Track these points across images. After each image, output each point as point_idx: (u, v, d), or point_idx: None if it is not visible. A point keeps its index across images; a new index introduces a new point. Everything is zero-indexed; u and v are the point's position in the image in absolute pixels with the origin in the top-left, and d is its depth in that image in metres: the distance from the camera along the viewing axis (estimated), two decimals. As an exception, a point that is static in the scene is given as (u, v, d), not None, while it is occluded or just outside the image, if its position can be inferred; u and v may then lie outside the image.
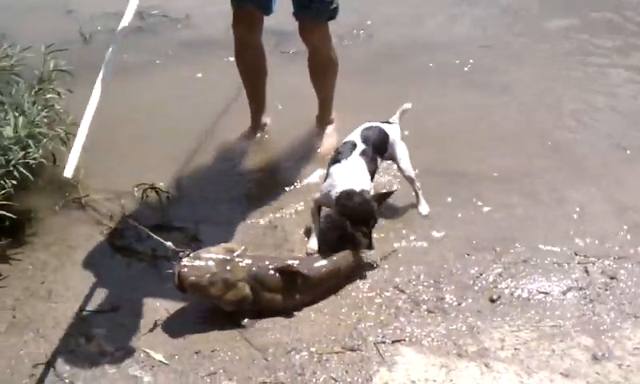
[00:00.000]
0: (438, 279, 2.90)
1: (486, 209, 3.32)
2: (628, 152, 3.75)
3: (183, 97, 4.23)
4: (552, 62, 4.76)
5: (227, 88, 4.10)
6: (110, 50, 2.68)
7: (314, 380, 2.47)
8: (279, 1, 3.36)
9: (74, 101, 3.43)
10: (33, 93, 3.32)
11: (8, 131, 3.06)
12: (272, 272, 2.74)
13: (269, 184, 3.52)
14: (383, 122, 3.34)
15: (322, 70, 3.63)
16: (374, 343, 2.61)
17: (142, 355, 2.59)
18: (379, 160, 3.23)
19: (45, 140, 3.24)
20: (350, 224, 2.90)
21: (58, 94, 3.39)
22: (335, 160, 3.12)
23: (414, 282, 2.89)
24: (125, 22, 2.75)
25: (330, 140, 3.74)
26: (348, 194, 2.89)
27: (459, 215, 3.29)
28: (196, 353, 2.59)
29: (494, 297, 2.81)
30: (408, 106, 3.44)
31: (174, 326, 2.71)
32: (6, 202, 2.96)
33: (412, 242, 3.11)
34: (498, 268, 2.96)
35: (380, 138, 3.23)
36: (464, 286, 2.87)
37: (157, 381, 2.49)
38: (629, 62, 4.74)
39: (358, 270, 2.94)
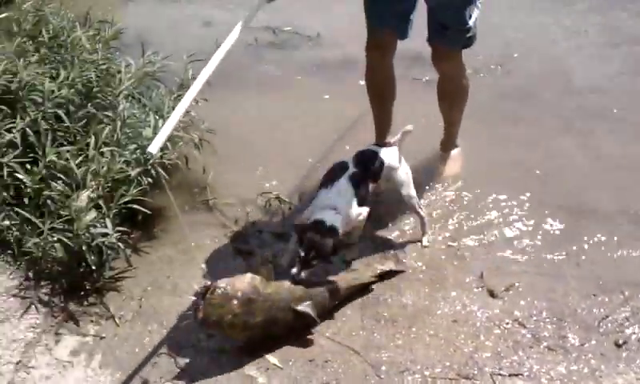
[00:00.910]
0: (562, 317, 2.82)
1: (616, 249, 3.20)
2: None
3: (309, 113, 4.32)
4: None
5: (353, 110, 4.14)
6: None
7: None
8: (415, 26, 3.36)
9: (208, 109, 3.62)
10: (172, 98, 3.50)
11: (147, 132, 3.25)
12: (287, 313, 2.70)
13: (390, 203, 3.52)
14: (380, 145, 3.22)
15: (450, 97, 3.59)
16: (491, 374, 2.56)
17: (258, 357, 2.66)
18: (372, 185, 3.06)
19: (180, 143, 3.42)
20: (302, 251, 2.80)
21: (196, 101, 3.56)
22: (323, 182, 3.01)
23: (535, 318, 2.82)
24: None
25: (454, 163, 3.72)
26: (313, 226, 2.82)
27: (587, 253, 3.18)
28: (310, 361, 2.64)
29: (620, 341, 2.70)
30: (410, 127, 3.20)
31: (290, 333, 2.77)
32: (141, 198, 3.14)
33: (535, 277, 3.04)
34: (625, 311, 2.84)
35: (372, 162, 3.06)
36: (588, 326, 2.78)
37: (271, 383, 2.56)
38: None
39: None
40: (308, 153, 3.88)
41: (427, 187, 3.58)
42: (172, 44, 4.47)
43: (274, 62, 4.94)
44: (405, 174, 3.18)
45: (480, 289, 2.98)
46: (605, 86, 4.58)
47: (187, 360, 2.65)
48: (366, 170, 3.03)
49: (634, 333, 2.74)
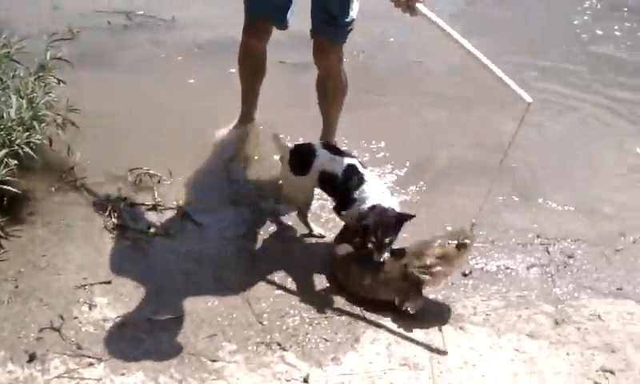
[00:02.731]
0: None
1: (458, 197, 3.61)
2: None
3: (174, 94, 4.41)
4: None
5: (215, 92, 4.31)
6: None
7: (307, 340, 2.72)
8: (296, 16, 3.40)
9: (67, 90, 3.64)
10: (33, 79, 3.47)
11: (12, 113, 3.21)
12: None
13: (255, 171, 3.74)
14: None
15: (333, 94, 3.58)
16: (362, 309, 2.87)
17: (144, 320, 2.77)
18: None
19: (44, 124, 3.40)
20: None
21: (59, 81, 3.55)
22: (355, 180, 3.03)
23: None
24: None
25: None
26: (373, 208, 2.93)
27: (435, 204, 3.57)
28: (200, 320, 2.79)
29: (466, 271, 3.10)
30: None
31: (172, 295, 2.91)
32: (9, 178, 3.10)
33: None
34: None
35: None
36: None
37: (158, 340, 2.68)
38: None
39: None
40: (174, 130, 4.01)
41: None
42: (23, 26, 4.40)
43: (131, 44, 4.97)
44: None
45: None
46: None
47: (73, 332, 2.69)
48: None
49: (477, 264, 3.16)
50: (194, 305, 2.85)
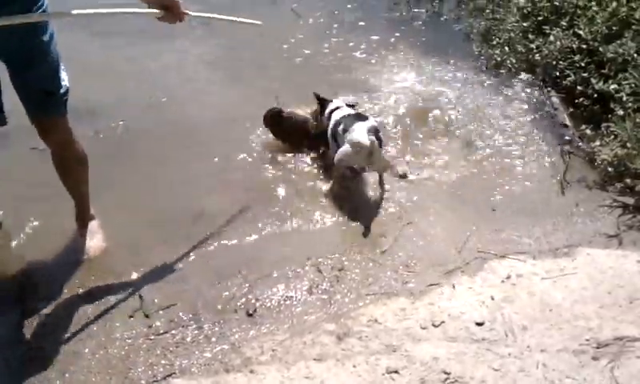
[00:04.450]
0: (195, 311, 3.14)
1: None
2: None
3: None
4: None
5: None
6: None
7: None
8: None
9: None
10: None
11: None
12: None
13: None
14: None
15: (74, 167, 3.42)
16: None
17: None
18: None
19: None
20: None
21: None
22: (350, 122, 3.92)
23: (174, 322, 3.09)
24: None
25: (96, 237, 3.59)
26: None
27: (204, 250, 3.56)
28: None
29: (250, 311, 3.12)
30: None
31: None
32: None
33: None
34: (244, 287, 3.28)
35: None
36: (219, 310, 3.15)
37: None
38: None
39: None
40: None
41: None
42: None
43: None
44: None
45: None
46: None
47: None
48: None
49: (258, 301, 3.19)
50: None
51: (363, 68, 5.49)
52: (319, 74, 5.34)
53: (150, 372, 2.82)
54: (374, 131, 3.81)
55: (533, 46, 5.16)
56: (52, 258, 3.49)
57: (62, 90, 3.13)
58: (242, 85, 5.24)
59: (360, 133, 3.73)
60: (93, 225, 3.62)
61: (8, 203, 3.74)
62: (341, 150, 3.85)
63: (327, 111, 4.21)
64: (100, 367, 2.86)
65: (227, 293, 3.24)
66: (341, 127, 3.94)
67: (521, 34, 5.38)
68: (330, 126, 4.09)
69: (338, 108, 4.17)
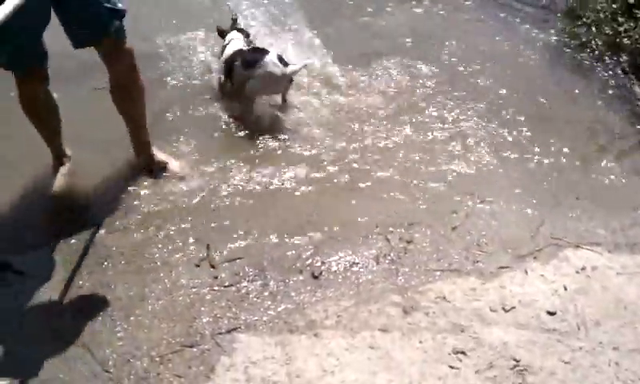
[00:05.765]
0: (262, 268, 3.11)
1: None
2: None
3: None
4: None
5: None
6: None
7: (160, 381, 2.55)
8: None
9: None
10: None
11: None
12: None
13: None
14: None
15: (138, 94, 3.42)
16: (211, 335, 2.74)
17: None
18: None
19: None
20: None
21: None
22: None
23: (239, 275, 3.06)
24: None
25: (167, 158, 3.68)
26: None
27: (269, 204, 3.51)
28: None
29: (316, 274, 3.07)
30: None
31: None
32: None
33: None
34: (310, 249, 3.22)
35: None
36: (285, 268, 3.12)
37: None
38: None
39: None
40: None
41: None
42: None
43: None
44: None
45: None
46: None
47: None
48: None
49: (324, 265, 3.14)
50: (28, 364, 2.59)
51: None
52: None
53: (215, 324, 2.81)
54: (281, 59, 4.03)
55: (621, 29, 4.92)
56: (120, 193, 3.53)
57: (107, 4, 3.05)
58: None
59: (273, 65, 3.97)
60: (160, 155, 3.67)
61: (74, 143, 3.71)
62: (253, 81, 4.02)
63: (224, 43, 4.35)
64: (165, 314, 2.86)
65: (293, 251, 3.20)
66: (238, 62, 4.09)
67: (610, 16, 5.13)
68: (225, 58, 4.22)
69: (232, 40, 4.32)
